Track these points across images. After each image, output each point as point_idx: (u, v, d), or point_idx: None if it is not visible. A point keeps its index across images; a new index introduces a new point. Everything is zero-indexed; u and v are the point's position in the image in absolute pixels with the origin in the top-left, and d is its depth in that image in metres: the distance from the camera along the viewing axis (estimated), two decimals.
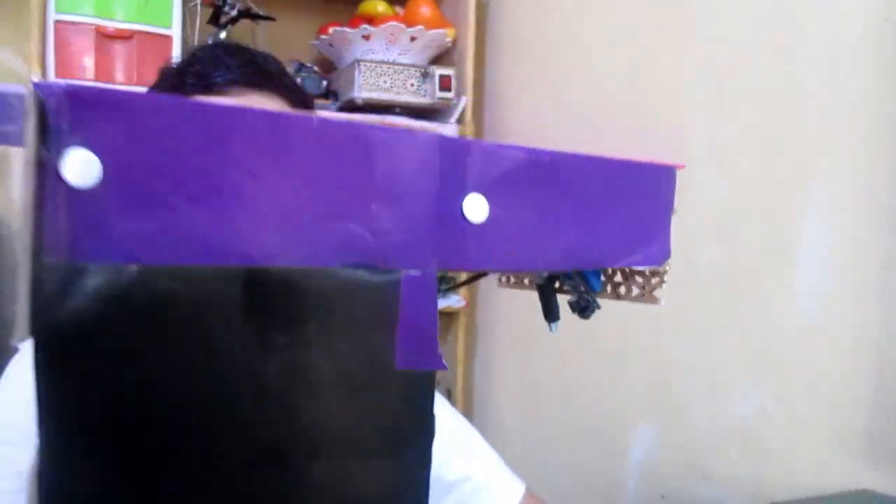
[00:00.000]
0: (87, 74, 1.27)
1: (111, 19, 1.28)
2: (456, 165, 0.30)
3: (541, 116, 1.55)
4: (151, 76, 1.34)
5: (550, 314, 0.41)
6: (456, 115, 1.59)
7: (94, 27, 1.26)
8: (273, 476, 0.26)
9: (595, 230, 0.34)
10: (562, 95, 1.49)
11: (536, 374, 1.49)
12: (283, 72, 0.79)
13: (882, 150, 0.90)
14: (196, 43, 1.39)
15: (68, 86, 0.22)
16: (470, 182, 0.30)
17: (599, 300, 0.39)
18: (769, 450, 1.04)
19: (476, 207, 0.30)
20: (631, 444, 1.26)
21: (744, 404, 1.07)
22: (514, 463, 0.85)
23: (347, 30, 1.51)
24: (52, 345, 0.22)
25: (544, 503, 0.87)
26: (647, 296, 0.37)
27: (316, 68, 1.61)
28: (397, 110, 1.56)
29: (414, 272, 0.29)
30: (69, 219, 0.23)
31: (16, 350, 0.80)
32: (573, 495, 1.36)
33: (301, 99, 0.80)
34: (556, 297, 0.40)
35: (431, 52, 1.61)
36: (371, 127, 0.28)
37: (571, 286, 0.39)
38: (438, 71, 1.54)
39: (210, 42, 1.43)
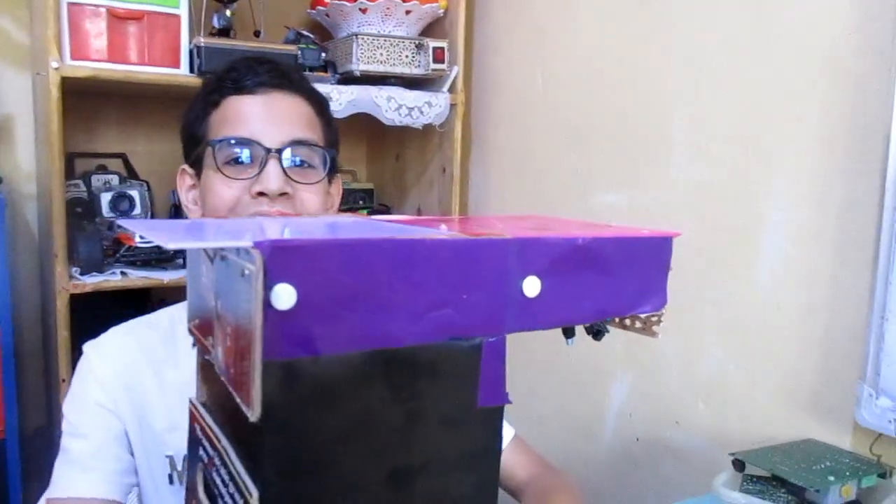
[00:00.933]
0: (101, 55, 1.32)
1: (122, 0, 1.32)
2: (519, 258, 0.40)
3: (528, 86, 1.63)
4: (161, 55, 1.41)
5: (569, 333, 0.52)
6: (448, 84, 1.67)
7: (106, 9, 1.31)
8: (402, 488, 0.38)
9: (615, 291, 0.45)
10: (549, 67, 1.58)
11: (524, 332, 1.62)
12: (302, 77, 0.92)
13: (836, 151, 1.02)
14: (203, 20, 1.44)
15: (275, 241, 0.33)
16: (527, 268, 0.41)
17: (609, 327, 0.51)
18: (730, 403, 1.19)
19: (532, 287, 0.41)
20: (610, 394, 1.41)
21: (710, 363, 1.22)
22: (505, 410, 0.99)
23: (346, 3, 1.57)
24: (276, 415, 0.33)
25: (530, 448, 1.01)
26: (647, 330, 0.49)
27: (314, 38, 1.66)
28: (392, 81, 1.63)
29: (489, 339, 0.40)
30: (274, 331, 0.33)
31: (81, 352, 0.92)
32: (559, 438, 1.52)
33: (317, 99, 0.92)
34: None
35: (424, 23, 1.68)
36: (465, 241, 0.38)
37: None
38: (432, 43, 1.62)
39: (216, 20, 1.49)
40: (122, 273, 1.38)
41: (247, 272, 0.33)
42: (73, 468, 0.85)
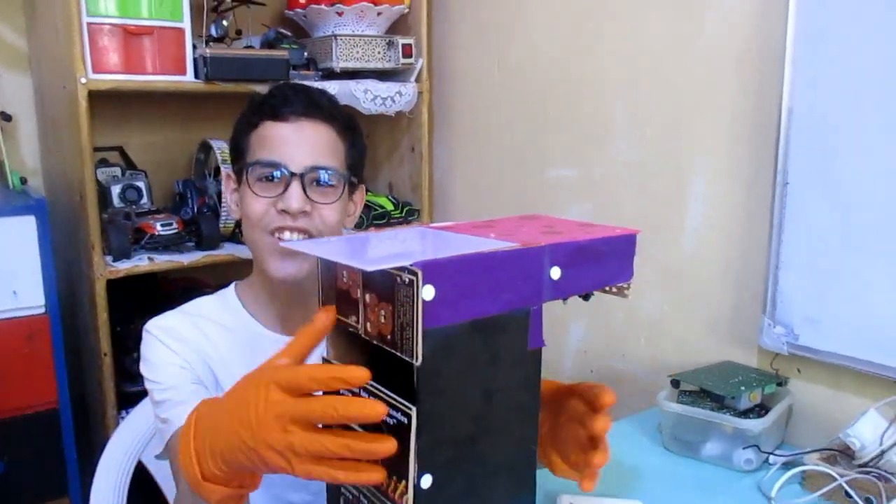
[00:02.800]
0: (118, 67, 1.47)
1: (134, 18, 1.47)
2: (549, 257, 0.64)
3: (485, 75, 1.85)
4: (170, 64, 1.58)
5: (584, 298, 0.76)
6: (415, 75, 1.88)
7: (120, 26, 1.46)
8: (489, 400, 0.62)
9: (602, 271, 0.70)
10: (505, 57, 1.79)
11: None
12: (331, 104, 1.07)
13: (742, 136, 1.29)
14: (204, 31, 1.59)
15: (423, 262, 0.55)
16: (553, 262, 0.65)
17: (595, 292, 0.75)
18: (666, 336, 1.47)
19: (556, 273, 0.65)
20: (568, 335, 1.68)
21: (649, 306, 1.49)
22: None
23: (323, 7, 1.75)
24: (427, 359, 0.56)
25: None
26: (621, 293, 0.74)
27: (292, 37, 1.83)
28: (366, 74, 1.83)
29: (533, 307, 0.64)
30: (423, 314, 0.56)
31: (147, 331, 1.07)
32: None
33: (342, 124, 1.07)
34: None
35: (391, 21, 1.87)
36: (519, 249, 0.62)
37: None
38: (401, 41, 1.81)
39: (214, 30, 1.63)
40: (150, 258, 1.56)
41: (409, 279, 0.56)
42: (177, 406, 0.99)
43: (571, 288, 0.68)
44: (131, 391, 1.65)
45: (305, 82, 1.70)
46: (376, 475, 0.59)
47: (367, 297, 0.61)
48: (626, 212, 1.52)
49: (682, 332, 1.44)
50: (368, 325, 0.62)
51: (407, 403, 0.59)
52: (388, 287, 0.58)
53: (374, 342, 0.61)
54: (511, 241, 0.64)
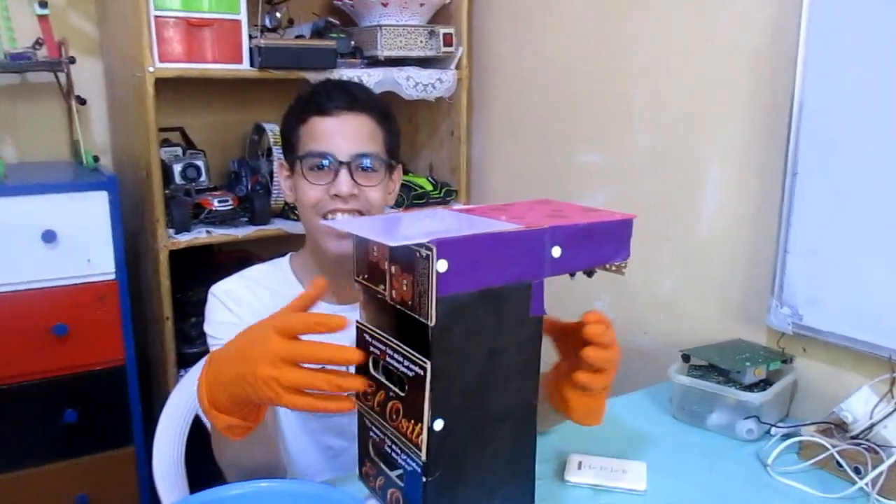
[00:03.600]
0: (180, 56, 1.60)
1: (195, 11, 1.59)
2: (550, 237, 0.74)
3: (521, 64, 1.93)
4: (228, 54, 1.70)
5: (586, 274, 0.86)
6: (455, 63, 1.97)
7: (183, 19, 1.58)
8: (493, 359, 0.72)
9: (600, 251, 0.79)
10: (539, 48, 1.87)
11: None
12: (368, 97, 1.18)
13: (756, 127, 1.35)
14: (259, 22, 1.71)
15: (437, 239, 0.66)
16: (554, 242, 0.74)
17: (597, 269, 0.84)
18: (682, 314, 1.55)
19: (557, 251, 0.75)
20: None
21: (667, 286, 1.57)
22: None
23: None
24: (440, 321, 0.67)
25: None
26: (618, 272, 0.83)
27: (340, 26, 1.93)
28: (409, 61, 1.93)
29: (535, 280, 0.74)
30: (436, 284, 0.66)
31: (211, 293, 1.20)
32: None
33: (380, 113, 1.18)
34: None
35: (433, 11, 1.96)
36: (524, 231, 0.71)
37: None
38: (442, 30, 1.90)
39: (268, 21, 1.75)
40: (207, 231, 1.70)
41: (426, 254, 0.66)
42: None
43: (571, 265, 0.77)
44: (189, 352, 1.80)
45: (351, 70, 1.81)
46: (347, 403, 0.74)
47: (393, 268, 0.72)
48: (647, 196, 1.59)
49: (697, 310, 1.51)
50: (393, 292, 0.73)
51: (423, 358, 0.69)
52: (409, 260, 0.69)
53: (398, 307, 0.72)
54: (518, 223, 0.74)
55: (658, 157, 1.56)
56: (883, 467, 1.02)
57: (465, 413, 0.72)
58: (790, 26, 1.24)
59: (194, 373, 1.44)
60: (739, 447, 1.21)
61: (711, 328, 1.48)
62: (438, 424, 0.70)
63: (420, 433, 0.70)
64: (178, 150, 1.92)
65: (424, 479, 0.71)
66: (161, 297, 1.66)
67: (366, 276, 0.78)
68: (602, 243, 0.79)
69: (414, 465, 0.72)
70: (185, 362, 1.75)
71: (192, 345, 1.83)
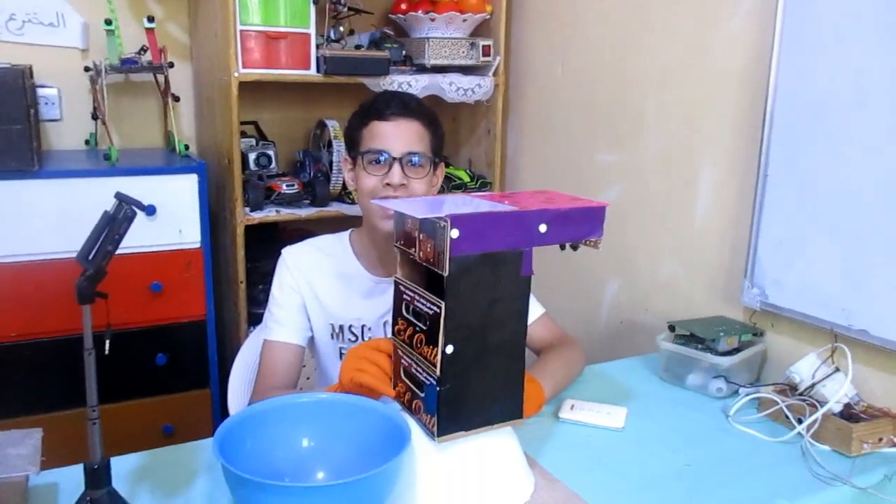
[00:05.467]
0: (259, 64, 1.88)
1: (273, 25, 1.87)
2: (538, 217, 0.98)
3: (551, 72, 2.16)
4: (298, 61, 1.97)
5: (562, 247, 1.10)
6: (492, 70, 2.21)
7: (263, 32, 1.86)
8: (492, 308, 0.97)
9: (579, 229, 1.03)
10: (567, 59, 2.10)
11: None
12: (418, 105, 1.42)
13: (741, 135, 1.56)
14: (325, 35, 1.98)
15: (451, 214, 0.91)
16: (541, 220, 0.99)
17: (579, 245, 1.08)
18: (677, 294, 1.77)
19: (543, 228, 0.99)
20: (604, 292, 2.00)
21: (666, 270, 1.79)
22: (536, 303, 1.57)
23: (420, 14, 2.10)
24: (451, 273, 0.92)
25: (554, 322, 1.58)
26: (594, 246, 1.07)
27: (394, 36, 2.19)
28: (452, 69, 2.18)
29: (526, 249, 0.99)
30: (450, 246, 0.92)
31: (282, 254, 1.47)
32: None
33: (428, 118, 1.41)
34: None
35: (475, 25, 2.20)
36: (519, 211, 0.96)
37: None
38: (482, 42, 2.15)
39: (332, 34, 2.01)
40: (277, 211, 1.99)
41: (443, 224, 0.91)
42: (277, 324, 1.42)
43: (555, 239, 1.01)
44: (257, 313, 2.09)
45: (401, 76, 2.07)
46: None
47: (421, 235, 0.98)
48: (653, 192, 1.81)
49: (690, 291, 1.73)
50: (420, 253, 0.98)
51: (439, 300, 0.95)
52: (432, 229, 0.94)
53: (424, 264, 0.98)
54: (516, 206, 0.99)
55: (663, 158, 1.78)
56: (817, 415, 1.24)
57: (470, 342, 0.97)
58: (765, 53, 1.45)
59: (260, 330, 1.72)
60: (710, 402, 1.43)
61: (701, 306, 1.70)
62: (449, 349, 0.95)
63: (436, 355, 0.96)
64: (253, 141, 2.21)
65: (438, 389, 0.97)
66: (237, 265, 1.96)
67: (402, 241, 1.03)
68: (580, 224, 1.03)
69: (432, 379, 0.98)
70: (254, 321, 2.04)
71: (259, 307, 2.12)
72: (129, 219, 0.81)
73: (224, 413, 2.08)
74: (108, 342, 0.83)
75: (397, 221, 1.04)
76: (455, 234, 0.91)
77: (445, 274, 0.92)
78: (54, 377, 1.82)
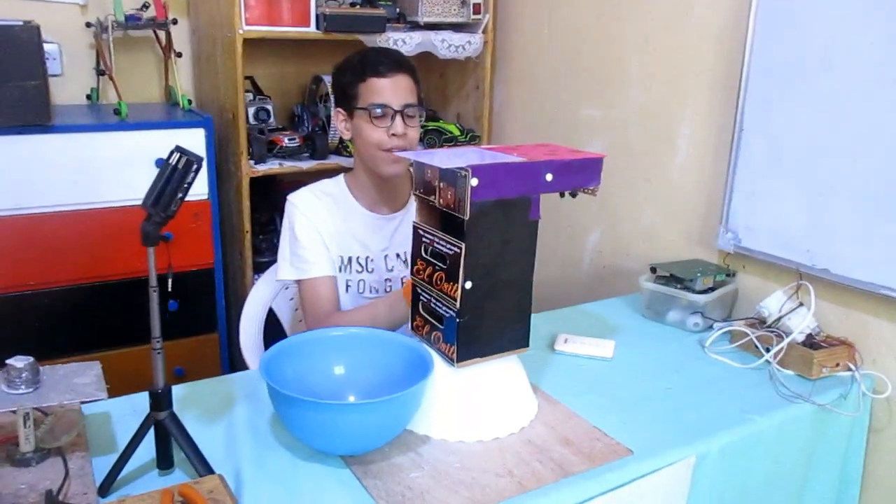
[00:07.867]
0: (261, 21, 1.93)
1: None
2: (544, 168, 1.09)
3: (537, 31, 2.24)
4: (299, 19, 2.02)
5: (562, 195, 1.21)
6: (482, 28, 2.28)
7: None
8: (506, 247, 1.08)
9: (579, 178, 1.14)
10: (553, 18, 2.18)
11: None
12: (407, 62, 1.52)
13: (717, 92, 1.68)
14: None
15: (472, 165, 1.01)
16: (548, 171, 1.10)
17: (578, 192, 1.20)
18: (658, 239, 1.90)
19: (549, 177, 1.10)
20: (588, 239, 2.12)
21: (646, 217, 1.92)
22: None
23: None
24: (472, 216, 1.03)
25: None
26: (592, 193, 1.18)
27: None
28: (444, 26, 2.24)
29: (534, 196, 1.10)
30: (470, 193, 1.02)
31: (289, 202, 1.57)
32: (554, 268, 2.25)
33: (415, 73, 1.51)
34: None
35: None
36: (529, 162, 1.07)
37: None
38: (472, 1, 2.21)
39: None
40: (279, 164, 2.06)
41: (464, 174, 1.01)
42: (307, 263, 1.50)
43: (559, 186, 1.12)
44: (261, 261, 2.18)
45: (396, 33, 2.13)
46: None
47: (441, 184, 1.08)
48: (634, 146, 1.93)
49: (669, 236, 1.86)
50: (440, 199, 1.08)
51: (460, 241, 1.06)
52: (453, 178, 1.04)
53: (444, 209, 1.08)
54: (524, 157, 1.09)
55: (644, 114, 1.89)
56: (782, 344, 1.39)
57: (486, 278, 1.08)
58: (744, 12, 1.56)
59: (267, 277, 1.81)
60: (687, 336, 1.57)
61: (678, 250, 1.83)
62: (468, 285, 1.07)
63: (456, 291, 1.07)
64: (250, 96, 2.27)
65: (458, 321, 1.08)
66: (242, 215, 2.04)
67: (421, 190, 1.13)
68: (581, 173, 1.14)
69: (452, 312, 1.09)
70: (258, 268, 2.13)
71: (262, 256, 2.21)
72: (197, 168, 0.89)
73: (231, 355, 2.18)
74: (170, 280, 0.93)
75: (416, 171, 1.14)
76: (475, 182, 1.02)
77: (466, 218, 1.03)
78: (74, 323, 1.90)
